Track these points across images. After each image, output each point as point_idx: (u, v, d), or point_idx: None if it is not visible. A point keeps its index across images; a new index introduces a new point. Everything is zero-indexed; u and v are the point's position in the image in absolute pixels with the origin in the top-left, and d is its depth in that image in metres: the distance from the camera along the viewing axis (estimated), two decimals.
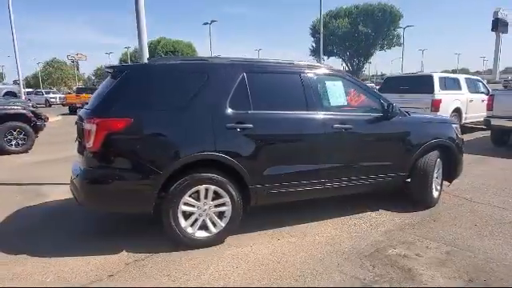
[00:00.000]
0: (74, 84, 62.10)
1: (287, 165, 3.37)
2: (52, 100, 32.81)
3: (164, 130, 2.98)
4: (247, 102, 3.24)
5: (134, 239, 3.31)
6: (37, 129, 8.82)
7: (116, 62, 61.56)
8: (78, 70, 68.88)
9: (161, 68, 3.16)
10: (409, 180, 4.06)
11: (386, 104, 3.77)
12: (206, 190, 3.09)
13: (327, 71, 3.77)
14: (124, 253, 3.07)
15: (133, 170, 2.93)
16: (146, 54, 4.98)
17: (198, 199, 3.10)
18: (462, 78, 9.88)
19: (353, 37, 36.03)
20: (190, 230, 3.09)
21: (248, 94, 3.26)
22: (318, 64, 3.86)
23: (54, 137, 11.01)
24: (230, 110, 3.15)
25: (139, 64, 3.22)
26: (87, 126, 2.90)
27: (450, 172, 4.33)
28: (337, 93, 3.69)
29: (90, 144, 2.88)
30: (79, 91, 23.80)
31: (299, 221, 3.71)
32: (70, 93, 34.14)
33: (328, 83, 3.68)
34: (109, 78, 3.41)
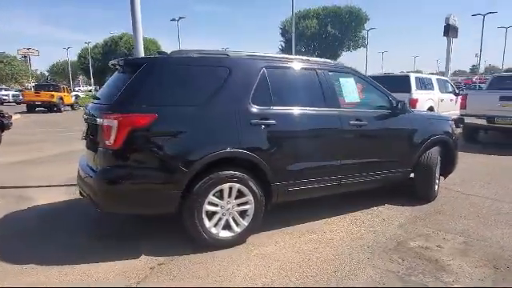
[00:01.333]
0: (26, 80, 58.05)
1: (307, 161, 3.36)
2: (4, 98, 30.42)
3: (189, 126, 2.84)
4: (269, 97, 3.19)
5: (147, 241, 3.15)
6: (3, 128, 8.13)
7: (75, 58, 58.38)
8: (30, 65, 64.38)
9: (182, 61, 3.00)
10: (412, 175, 4.20)
11: (395, 101, 3.88)
12: (230, 188, 3.00)
13: (340, 68, 3.80)
14: (143, 256, 2.89)
15: (157, 168, 2.76)
16: (142, 50, 4.76)
17: (221, 198, 2.99)
18: (434, 78, 10.44)
19: (321, 37, 37.01)
20: (214, 231, 2.98)
21: (269, 90, 3.20)
22: (332, 61, 3.88)
23: (20, 136, 10.23)
24: (253, 106, 3.07)
25: (160, 57, 3.03)
26: (106, 121, 2.70)
27: (446, 166, 4.53)
28: (350, 89, 3.73)
29: (110, 141, 2.67)
30: (38, 88, 22.25)
31: (311, 218, 3.69)
32: (21, 90, 31.85)
33: (342, 80, 3.71)
34: (119, 71, 3.21)
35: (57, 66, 74.57)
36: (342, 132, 3.51)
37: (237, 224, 3.09)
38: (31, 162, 6.80)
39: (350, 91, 3.73)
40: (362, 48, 41.90)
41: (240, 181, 3.00)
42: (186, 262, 2.79)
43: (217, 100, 2.96)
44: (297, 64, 3.51)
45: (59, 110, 21.04)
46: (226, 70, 3.07)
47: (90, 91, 56.07)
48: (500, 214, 3.87)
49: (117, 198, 2.79)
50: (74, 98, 25.56)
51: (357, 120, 3.58)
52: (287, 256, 2.92)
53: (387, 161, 3.86)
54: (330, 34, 37.93)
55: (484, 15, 35.49)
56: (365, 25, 39.71)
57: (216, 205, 2.98)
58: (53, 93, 20.86)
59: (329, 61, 3.86)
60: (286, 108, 3.24)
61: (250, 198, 3.08)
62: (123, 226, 3.58)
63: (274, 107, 3.17)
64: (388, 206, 4.11)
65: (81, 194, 3.13)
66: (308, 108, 3.38)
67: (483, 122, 7.90)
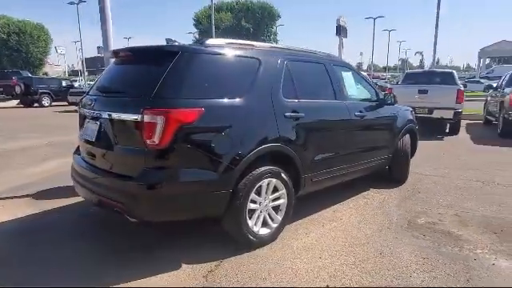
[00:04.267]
0: None
1: (327, 152, 3.47)
2: None
3: (234, 120, 2.66)
4: (294, 90, 3.18)
5: (173, 250, 2.86)
6: None
7: None
8: None
9: (218, 50, 2.76)
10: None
11: (381, 94, 4.25)
12: (268, 184, 2.92)
13: (341, 62, 3.99)
14: (184, 265, 2.63)
15: (206, 167, 2.53)
16: (111, 44, 4.24)
17: (259, 195, 2.90)
18: (364, 74, 11.63)
19: (235, 31, 37.38)
20: (255, 229, 2.88)
21: (293, 82, 3.20)
22: (334, 55, 4.03)
23: None
24: (284, 99, 3.04)
25: (194, 45, 2.72)
26: (148, 118, 2.34)
27: (411, 151, 5.13)
28: (350, 82, 3.96)
29: (154, 140, 2.34)
30: None
31: (316, 209, 3.76)
32: None
33: (343, 74, 3.90)
34: (133, 61, 2.84)
35: None
36: (351, 122, 3.72)
37: (272, 220, 3.04)
38: None
39: (351, 84, 3.95)
40: (274, 43, 43.81)
41: (277, 176, 2.95)
42: (235, 265, 2.64)
43: (254, 92, 2.84)
44: (308, 57, 3.58)
45: None
46: (257, 61, 2.95)
47: None
48: (459, 188, 4.58)
49: (162, 203, 2.46)
50: None
51: (359, 111, 3.83)
52: (328, 244, 3.00)
53: (380, 147, 4.23)
54: (243, 28, 38.76)
55: (375, 18, 40.56)
56: (277, 21, 41.92)
57: (255, 202, 2.88)
58: None
59: (332, 54, 4.01)
60: (309, 101, 3.29)
61: (283, 192, 3.05)
62: (130, 235, 3.17)
63: (301, 100, 3.19)
64: (374, 190, 4.49)
65: (100, 202, 2.64)
66: (325, 100, 3.50)
67: None
